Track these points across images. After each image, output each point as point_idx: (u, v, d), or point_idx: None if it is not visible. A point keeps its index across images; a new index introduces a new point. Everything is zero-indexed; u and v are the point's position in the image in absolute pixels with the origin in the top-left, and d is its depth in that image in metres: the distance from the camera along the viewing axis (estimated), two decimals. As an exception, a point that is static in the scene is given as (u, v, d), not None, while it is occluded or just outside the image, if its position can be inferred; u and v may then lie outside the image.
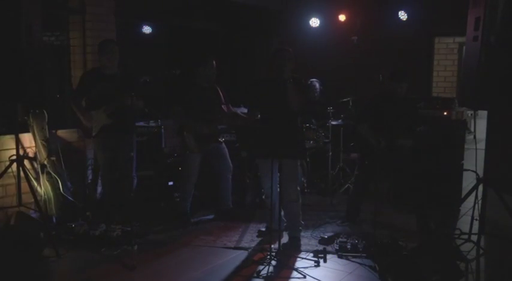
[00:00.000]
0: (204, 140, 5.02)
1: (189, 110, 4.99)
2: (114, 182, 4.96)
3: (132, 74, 4.87)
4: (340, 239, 4.41)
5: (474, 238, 4.46)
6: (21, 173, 4.35)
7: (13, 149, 4.39)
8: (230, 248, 4.46)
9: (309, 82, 6.71)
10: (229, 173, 5.28)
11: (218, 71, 5.14)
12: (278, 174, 4.29)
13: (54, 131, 5.11)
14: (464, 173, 5.59)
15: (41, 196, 4.74)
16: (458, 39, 9.05)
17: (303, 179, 5.95)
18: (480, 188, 4.46)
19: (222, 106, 5.15)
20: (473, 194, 4.42)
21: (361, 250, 4.24)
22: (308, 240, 4.63)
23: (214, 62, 5.06)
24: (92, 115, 4.77)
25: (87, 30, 5.61)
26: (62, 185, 4.82)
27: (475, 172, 4.47)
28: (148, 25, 7.28)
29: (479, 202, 4.47)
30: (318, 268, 4.00)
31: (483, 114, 5.26)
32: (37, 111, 4.81)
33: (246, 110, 5.44)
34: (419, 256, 3.65)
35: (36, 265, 4.05)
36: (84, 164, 5.53)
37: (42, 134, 4.82)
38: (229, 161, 5.28)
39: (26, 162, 4.72)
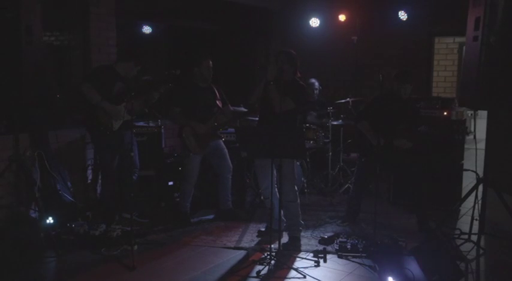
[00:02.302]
0: (204, 139, 5.02)
1: (187, 111, 4.99)
2: (114, 182, 4.97)
3: (137, 76, 4.94)
4: (340, 239, 4.41)
5: (474, 238, 4.46)
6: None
7: (13, 149, 4.39)
8: (230, 248, 4.46)
9: (309, 82, 6.72)
10: (229, 173, 5.28)
11: (218, 71, 5.13)
12: (276, 174, 4.29)
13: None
14: (464, 173, 5.59)
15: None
16: (458, 39, 9.08)
17: (303, 179, 5.95)
18: (480, 188, 4.46)
19: (217, 101, 5.14)
20: (473, 194, 4.42)
21: (361, 250, 4.24)
22: (308, 240, 4.63)
23: (210, 62, 5.05)
24: (118, 109, 4.77)
25: (87, 30, 5.61)
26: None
27: (475, 172, 4.47)
28: (148, 25, 7.28)
29: (479, 202, 4.47)
30: (318, 268, 4.00)
31: (483, 114, 5.26)
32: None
33: (246, 110, 5.45)
34: (419, 256, 3.64)
35: (36, 265, 4.05)
36: (84, 164, 5.53)
37: None
38: (229, 161, 5.28)
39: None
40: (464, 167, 5.59)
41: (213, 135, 5.11)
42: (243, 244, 4.54)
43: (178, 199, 5.40)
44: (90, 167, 5.54)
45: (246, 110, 5.35)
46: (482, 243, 4.47)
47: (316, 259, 4.12)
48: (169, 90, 4.93)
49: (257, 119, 4.90)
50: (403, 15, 7.00)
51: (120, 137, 4.82)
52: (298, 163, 5.43)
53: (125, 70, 4.88)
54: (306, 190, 6.06)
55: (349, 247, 4.28)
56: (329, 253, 4.26)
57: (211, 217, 5.37)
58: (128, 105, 4.71)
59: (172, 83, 4.90)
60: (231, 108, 5.28)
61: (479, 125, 4.78)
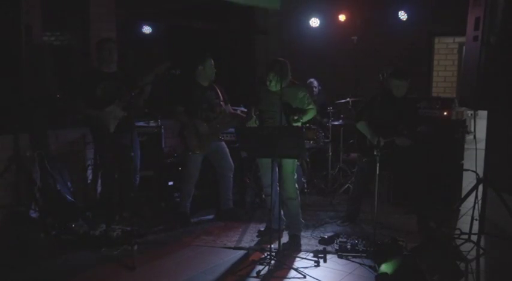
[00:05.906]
0: (206, 139, 5.02)
1: (190, 110, 4.99)
2: (115, 182, 4.97)
3: (132, 73, 4.89)
4: (340, 239, 4.41)
5: (474, 238, 4.46)
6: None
7: (13, 149, 4.39)
8: (230, 248, 4.46)
9: (308, 82, 6.72)
10: (230, 172, 5.28)
11: (217, 71, 5.14)
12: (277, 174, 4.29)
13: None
14: (464, 173, 5.59)
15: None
16: (458, 39, 9.08)
17: (303, 179, 5.95)
18: (480, 188, 4.46)
19: (221, 103, 5.15)
20: (473, 194, 4.42)
21: (361, 250, 4.24)
22: (308, 240, 4.63)
23: (212, 61, 5.06)
24: (107, 112, 4.75)
25: (87, 30, 5.61)
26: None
27: (475, 172, 4.47)
28: (148, 25, 7.28)
29: (479, 202, 4.47)
30: (318, 268, 4.00)
31: (483, 114, 5.25)
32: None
33: (246, 110, 5.45)
34: (419, 256, 3.64)
35: (36, 265, 4.04)
36: (84, 164, 5.53)
37: None
38: (231, 160, 5.28)
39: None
40: (464, 167, 5.59)
41: (214, 137, 5.10)
42: (243, 244, 4.55)
43: (178, 199, 5.40)
44: (90, 167, 5.54)
45: (246, 110, 5.35)
46: (482, 243, 4.47)
47: (316, 259, 4.12)
48: (170, 88, 4.92)
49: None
50: (403, 15, 7.01)
51: (119, 138, 4.81)
52: (298, 163, 5.43)
53: (100, 63, 4.79)
54: (306, 190, 6.06)
55: (349, 247, 4.28)
56: (329, 253, 4.26)
57: (211, 217, 5.37)
58: (120, 103, 4.67)
59: (173, 83, 4.88)
60: (231, 109, 5.29)
61: (479, 125, 4.78)
